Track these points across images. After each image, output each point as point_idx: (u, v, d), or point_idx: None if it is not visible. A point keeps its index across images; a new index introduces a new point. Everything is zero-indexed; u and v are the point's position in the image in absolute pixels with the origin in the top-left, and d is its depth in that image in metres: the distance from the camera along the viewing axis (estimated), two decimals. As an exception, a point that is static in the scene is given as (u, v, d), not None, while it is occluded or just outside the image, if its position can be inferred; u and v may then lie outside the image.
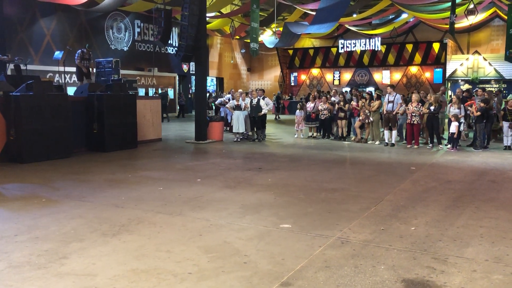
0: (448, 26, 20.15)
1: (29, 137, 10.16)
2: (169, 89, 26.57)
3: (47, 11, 19.51)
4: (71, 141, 11.20)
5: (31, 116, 10.21)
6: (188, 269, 4.19)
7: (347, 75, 31.52)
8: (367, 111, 13.93)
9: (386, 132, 13.52)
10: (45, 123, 10.44)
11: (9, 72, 13.71)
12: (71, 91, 15.94)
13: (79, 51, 14.96)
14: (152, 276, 4.04)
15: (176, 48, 25.93)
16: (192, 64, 25.88)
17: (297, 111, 16.36)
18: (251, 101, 14.42)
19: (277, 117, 26.44)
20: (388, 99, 13.47)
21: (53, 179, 8.45)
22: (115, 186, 7.85)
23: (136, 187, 7.74)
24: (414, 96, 13.04)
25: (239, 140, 14.73)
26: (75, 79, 20.10)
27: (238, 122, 14.53)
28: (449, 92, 26.05)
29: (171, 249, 4.69)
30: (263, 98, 14.91)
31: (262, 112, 14.29)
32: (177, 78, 27.51)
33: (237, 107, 14.49)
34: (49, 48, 19.30)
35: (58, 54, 14.57)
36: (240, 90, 17.01)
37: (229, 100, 16.01)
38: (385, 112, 13.44)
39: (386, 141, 13.51)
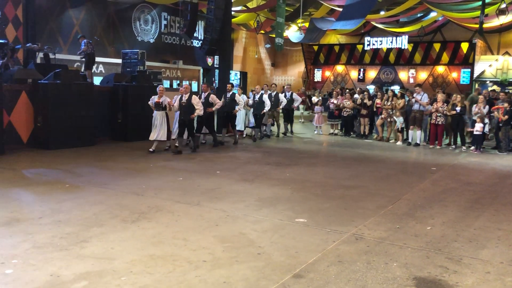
0: (477, 25, 19.73)
1: (55, 125, 10.45)
2: (193, 82, 26.75)
3: (76, 2, 19.85)
4: (95, 129, 11.46)
5: (57, 104, 10.50)
6: (203, 257, 4.29)
7: (372, 73, 31.18)
8: (389, 110, 13.81)
9: (411, 132, 13.37)
10: (71, 111, 10.71)
11: (38, 61, 14.05)
12: (97, 81, 16.23)
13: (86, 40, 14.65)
14: (168, 262, 4.15)
15: (201, 41, 26.14)
16: (217, 57, 25.97)
17: (316, 107, 16.33)
18: (181, 98, 10.44)
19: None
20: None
21: (77, 166, 8.69)
22: (136, 175, 8.03)
23: (157, 177, 7.90)
24: (440, 96, 12.85)
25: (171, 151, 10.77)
26: (102, 69, 20.55)
27: (160, 125, 10.36)
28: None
29: (187, 237, 4.81)
30: (266, 95, 13.26)
31: (196, 113, 10.45)
32: (201, 71, 27.67)
33: (157, 106, 10.32)
34: (77, 38, 19.67)
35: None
36: (265, 85, 14.77)
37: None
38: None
39: (410, 140, 13.36)
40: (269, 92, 13.93)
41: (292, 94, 15.45)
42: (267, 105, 13.21)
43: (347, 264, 4.24)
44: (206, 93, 11.46)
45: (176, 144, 10.80)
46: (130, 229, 5.04)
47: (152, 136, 10.38)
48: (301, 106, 20.83)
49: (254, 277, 3.91)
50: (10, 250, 4.33)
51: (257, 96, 13.37)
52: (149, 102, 10.53)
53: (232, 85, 12.75)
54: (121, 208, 5.86)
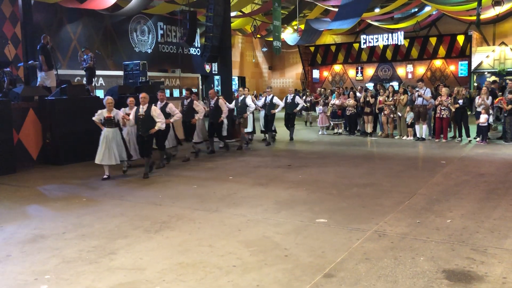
0: (474, 17, 19.84)
1: (64, 140, 10.49)
2: (193, 89, 26.84)
3: (73, 17, 19.95)
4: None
5: (65, 119, 10.55)
6: (232, 262, 4.34)
7: (370, 71, 31.29)
8: (392, 106, 13.88)
9: (417, 127, 13.44)
10: (79, 125, 10.73)
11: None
12: (98, 93, 16.29)
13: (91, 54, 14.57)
14: (198, 269, 4.20)
15: (198, 49, 26.23)
16: (214, 64, 26.06)
17: (319, 107, 16.39)
18: (137, 110, 8.92)
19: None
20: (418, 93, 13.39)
21: (90, 179, 8.73)
22: (150, 185, 8.07)
23: (172, 186, 7.94)
24: (444, 90, 12.94)
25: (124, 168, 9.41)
26: (102, 82, 20.62)
27: (115, 146, 8.82)
28: (475, 85, 25.65)
29: (212, 244, 4.86)
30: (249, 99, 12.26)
31: (156, 127, 8.77)
32: (200, 78, 27.78)
33: (108, 122, 8.80)
34: (76, 53, 19.66)
35: (85, 58, 14.89)
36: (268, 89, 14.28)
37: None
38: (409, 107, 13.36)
39: (418, 135, 13.43)
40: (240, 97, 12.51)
41: (272, 97, 13.39)
42: (224, 112, 11.62)
43: (375, 261, 4.29)
44: (163, 103, 9.88)
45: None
46: (155, 239, 5.09)
47: (99, 159, 8.62)
48: (317, 109, 20.72)
49: (285, 279, 3.96)
50: (41, 266, 4.37)
51: (212, 102, 11.73)
52: (94, 118, 8.80)
53: (191, 92, 11.05)
54: (141, 218, 5.91)
